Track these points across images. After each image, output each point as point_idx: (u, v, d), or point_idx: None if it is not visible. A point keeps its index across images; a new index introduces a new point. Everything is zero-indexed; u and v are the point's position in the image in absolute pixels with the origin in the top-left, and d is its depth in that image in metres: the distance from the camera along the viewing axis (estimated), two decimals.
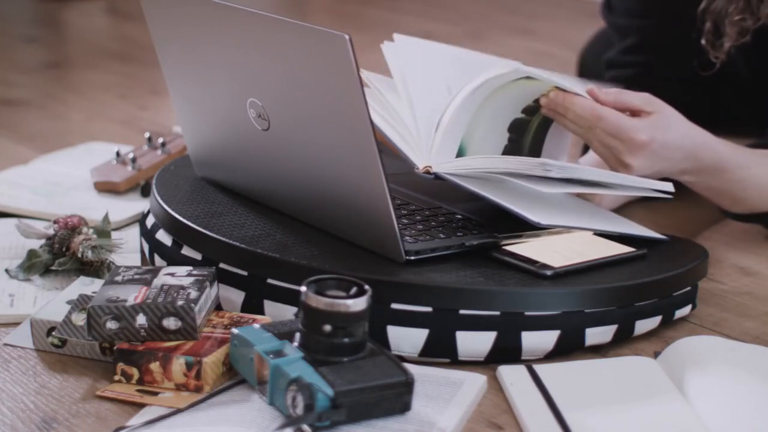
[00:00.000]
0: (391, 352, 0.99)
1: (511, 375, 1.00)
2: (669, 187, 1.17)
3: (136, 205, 1.40)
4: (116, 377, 0.98)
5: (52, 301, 1.08)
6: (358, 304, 0.92)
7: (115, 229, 1.32)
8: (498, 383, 1.01)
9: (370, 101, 1.21)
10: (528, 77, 1.15)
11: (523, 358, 1.04)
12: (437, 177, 1.14)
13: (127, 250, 1.26)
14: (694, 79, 1.41)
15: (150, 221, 1.20)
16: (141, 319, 0.98)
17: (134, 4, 1.60)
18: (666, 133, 1.16)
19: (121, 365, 0.97)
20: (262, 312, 1.05)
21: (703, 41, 1.33)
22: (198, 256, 1.11)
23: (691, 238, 1.29)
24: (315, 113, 1.04)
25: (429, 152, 1.15)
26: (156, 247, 1.17)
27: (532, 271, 1.06)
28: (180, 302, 0.98)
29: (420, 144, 1.16)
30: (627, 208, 1.40)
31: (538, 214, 1.09)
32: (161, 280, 1.03)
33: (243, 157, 1.17)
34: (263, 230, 1.11)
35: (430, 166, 1.14)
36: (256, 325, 0.98)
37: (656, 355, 1.06)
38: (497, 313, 1.01)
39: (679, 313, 1.12)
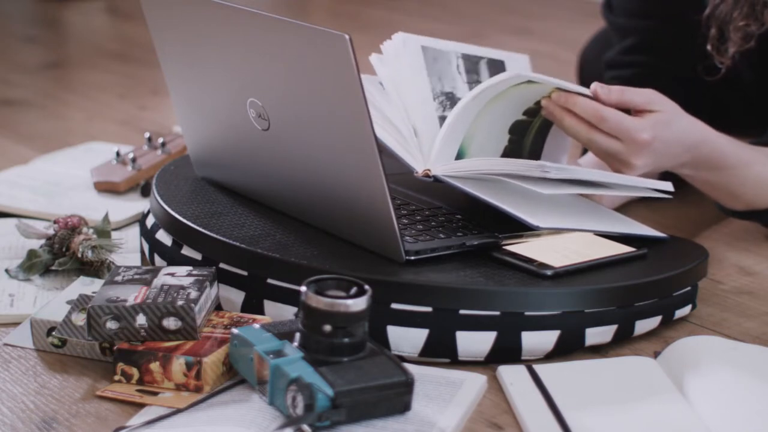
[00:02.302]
0: (391, 352, 0.99)
1: (511, 375, 1.00)
2: (668, 186, 1.17)
3: (136, 205, 1.40)
4: (116, 377, 0.98)
5: (52, 301, 1.08)
6: (358, 304, 0.92)
7: (115, 229, 1.32)
8: (498, 383, 1.01)
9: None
10: (529, 81, 1.14)
11: (523, 358, 1.04)
12: (436, 180, 1.14)
13: (127, 250, 1.26)
14: (694, 79, 1.41)
15: (150, 221, 1.20)
16: (141, 319, 0.98)
17: (134, 4, 1.60)
18: (667, 130, 1.16)
19: (121, 365, 0.97)
20: (262, 312, 1.05)
21: (708, 47, 1.33)
22: (198, 256, 1.11)
23: (691, 238, 1.29)
24: (315, 113, 1.04)
25: (428, 156, 1.15)
26: (156, 247, 1.17)
27: (532, 271, 1.06)
28: (180, 302, 0.98)
29: (418, 148, 1.16)
30: (627, 208, 1.40)
31: (537, 217, 1.09)
32: (161, 280, 1.03)
33: (243, 157, 1.17)
34: (263, 230, 1.11)
35: (429, 170, 1.14)
36: (256, 325, 0.98)
37: (656, 355, 1.06)
38: (497, 313, 1.01)
39: (679, 313, 1.12)
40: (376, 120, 1.19)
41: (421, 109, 1.19)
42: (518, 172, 1.11)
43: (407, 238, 1.08)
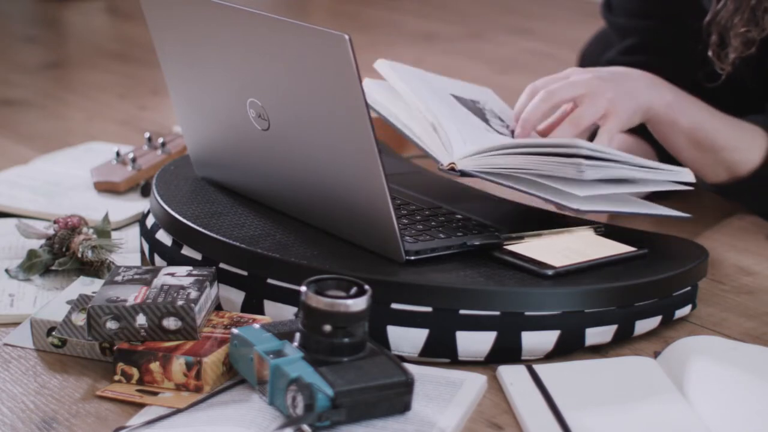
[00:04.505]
0: (391, 352, 0.99)
1: (511, 375, 1.00)
2: (689, 175, 1.17)
3: (136, 205, 1.40)
4: (116, 377, 0.98)
5: (52, 301, 1.08)
6: (358, 304, 0.92)
7: (115, 229, 1.32)
8: (498, 383, 1.01)
9: (383, 99, 1.22)
10: None
11: (523, 358, 1.04)
12: (463, 174, 1.13)
13: (127, 250, 1.26)
14: (695, 80, 1.41)
15: (150, 221, 1.20)
16: (141, 319, 0.98)
17: (134, 4, 1.60)
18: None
19: (121, 365, 0.98)
20: (262, 312, 1.06)
21: (709, 53, 1.33)
22: (198, 256, 1.11)
23: (691, 238, 1.29)
24: (315, 113, 1.04)
25: (451, 150, 1.14)
26: (156, 247, 1.17)
27: (532, 271, 1.06)
28: (180, 302, 0.98)
29: (444, 141, 1.15)
30: None
31: (576, 201, 1.08)
32: (161, 280, 1.03)
33: (243, 157, 1.17)
34: (263, 230, 1.11)
35: (455, 164, 1.13)
36: (256, 325, 0.98)
37: (656, 355, 1.06)
38: (497, 313, 1.01)
39: (679, 313, 1.12)
40: (398, 111, 1.20)
41: (439, 104, 1.19)
42: (551, 172, 1.10)
43: (407, 238, 1.08)
